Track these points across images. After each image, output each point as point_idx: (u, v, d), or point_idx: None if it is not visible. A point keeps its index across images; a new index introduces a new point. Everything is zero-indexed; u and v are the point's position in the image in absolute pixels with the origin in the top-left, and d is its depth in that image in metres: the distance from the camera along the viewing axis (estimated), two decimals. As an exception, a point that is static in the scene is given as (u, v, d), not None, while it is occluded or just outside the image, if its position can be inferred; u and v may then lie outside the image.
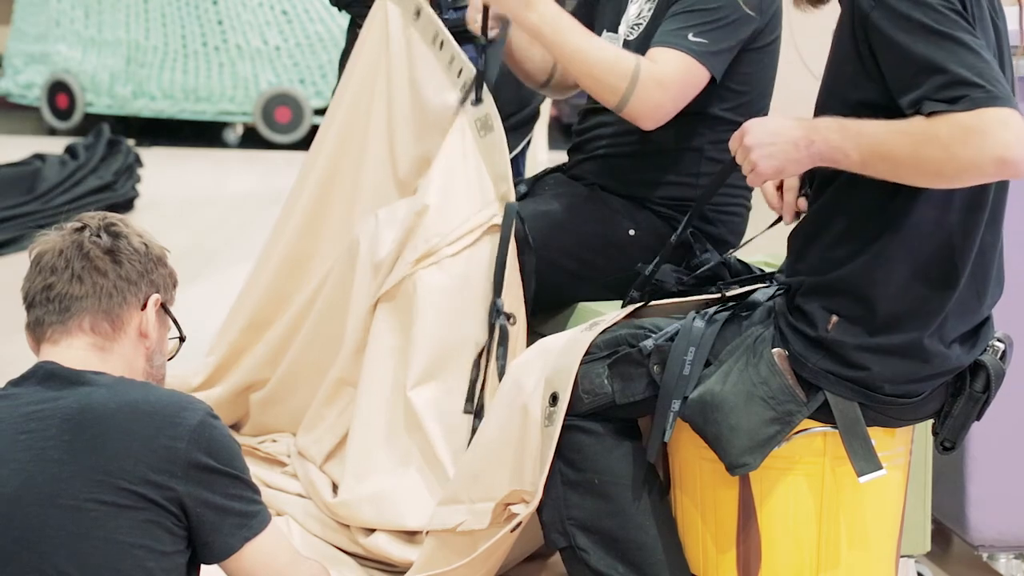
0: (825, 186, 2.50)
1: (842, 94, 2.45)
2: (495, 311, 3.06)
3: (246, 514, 2.15)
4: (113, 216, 2.29)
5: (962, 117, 2.28)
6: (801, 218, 2.59)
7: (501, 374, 3.02)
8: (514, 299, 3.09)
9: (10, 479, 2.09)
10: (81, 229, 2.26)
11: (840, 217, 2.47)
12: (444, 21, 3.54)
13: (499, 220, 3.12)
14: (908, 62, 2.34)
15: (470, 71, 3.24)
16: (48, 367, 2.18)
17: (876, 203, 2.44)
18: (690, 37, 3.01)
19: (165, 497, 2.09)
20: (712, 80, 3.06)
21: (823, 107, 2.51)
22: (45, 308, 2.22)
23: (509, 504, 2.71)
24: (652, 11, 3.12)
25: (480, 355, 3.10)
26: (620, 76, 3.00)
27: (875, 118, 2.38)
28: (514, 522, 2.67)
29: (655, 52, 3.03)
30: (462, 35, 3.53)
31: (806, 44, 3.45)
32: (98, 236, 2.24)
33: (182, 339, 2.35)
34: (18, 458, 2.09)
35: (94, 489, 2.07)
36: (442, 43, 3.33)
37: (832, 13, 2.51)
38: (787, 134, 2.44)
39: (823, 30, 2.55)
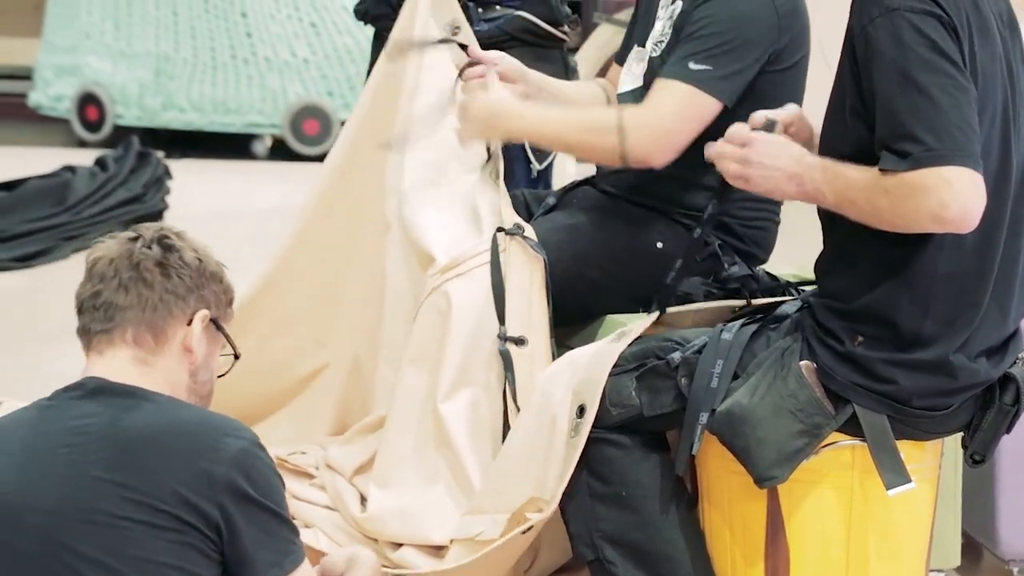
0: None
1: (843, 115, 2.47)
2: (500, 337, 3.06)
3: (280, 551, 2.11)
4: (169, 228, 2.27)
5: (906, 176, 2.33)
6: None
7: (514, 398, 3.03)
8: (524, 321, 3.07)
9: (49, 493, 2.08)
10: (135, 239, 2.23)
11: (860, 244, 2.47)
12: (474, 32, 3.55)
13: (525, 235, 3.13)
14: (877, 100, 2.38)
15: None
16: (96, 382, 2.17)
17: (920, 238, 2.43)
18: (691, 66, 2.98)
19: (202, 521, 2.06)
20: (725, 106, 3.02)
21: (828, 129, 2.52)
22: (91, 316, 2.21)
23: (533, 511, 2.71)
24: (671, 30, 3.12)
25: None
26: (606, 134, 3.00)
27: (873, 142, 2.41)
28: (524, 526, 2.68)
29: (656, 85, 3.03)
30: (491, 47, 3.53)
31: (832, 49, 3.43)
32: (149, 248, 2.22)
33: (236, 356, 2.32)
34: (59, 472, 2.08)
35: (129, 508, 2.05)
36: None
37: None
38: (786, 167, 2.50)
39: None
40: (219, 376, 2.31)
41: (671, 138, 2.99)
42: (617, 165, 3.05)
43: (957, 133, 2.32)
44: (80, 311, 2.23)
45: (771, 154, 2.52)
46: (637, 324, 2.74)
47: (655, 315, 2.76)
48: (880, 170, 2.35)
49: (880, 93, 2.37)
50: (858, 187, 2.40)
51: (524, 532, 2.69)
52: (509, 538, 2.69)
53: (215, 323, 2.26)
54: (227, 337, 2.29)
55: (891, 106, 2.35)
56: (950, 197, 2.31)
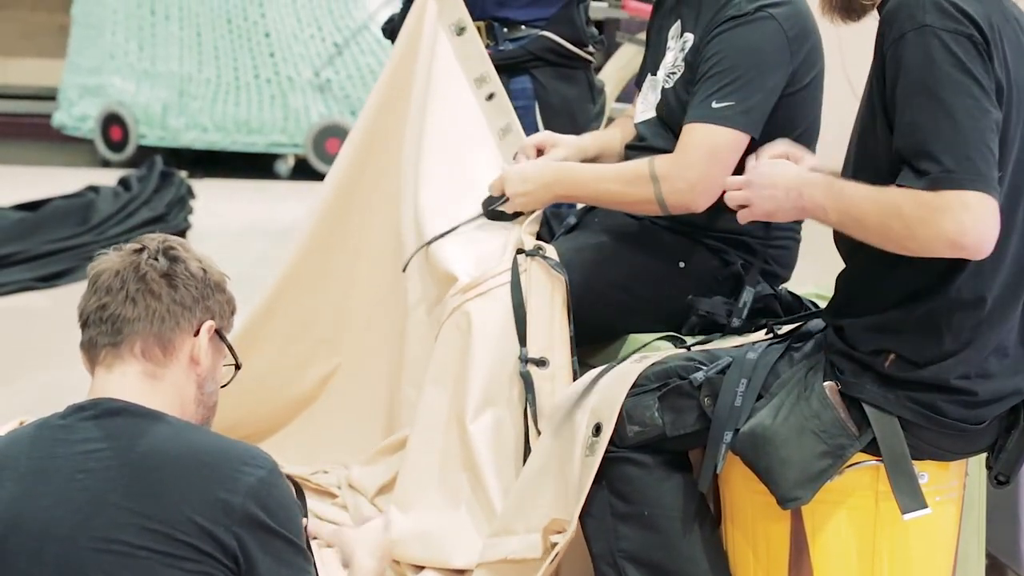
0: None
1: (874, 136, 2.46)
2: (521, 359, 3.06)
3: None
4: (173, 239, 2.26)
5: (925, 195, 2.31)
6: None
7: (535, 421, 3.02)
8: (545, 343, 3.07)
9: (66, 520, 2.06)
10: (140, 251, 2.23)
11: (891, 257, 2.45)
12: (499, 52, 3.56)
13: (545, 255, 3.13)
14: (899, 115, 2.36)
15: (517, 132, 3.33)
16: (110, 404, 2.15)
17: None
18: (714, 105, 2.98)
19: (219, 550, 2.05)
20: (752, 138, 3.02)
21: (858, 147, 2.51)
22: (98, 329, 2.19)
23: (556, 532, 2.71)
24: (684, 61, 3.12)
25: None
26: (641, 185, 3.04)
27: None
28: (552, 553, 2.67)
29: (684, 131, 3.04)
30: (516, 67, 3.54)
31: (856, 70, 3.43)
32: (155, 259, 2.21)
33: (237, 366, 2.32)
34: (75, 499, 2.07)
35: (147, 538, 2.04)
36: (491, 94, 3.36)
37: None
38: (784, 182, 2.52)
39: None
40: (221, 387, 2.30)
41: (707, 182, 3.00)
42: (661, 214, 3.06)
43: (976, 157, 2.30)
44: (85, 324, 2.21)
45: (770, 174, 2.56)
46: (669, 351, 2.75)
47: (682, 351, 2.76)
48: (897, 184, 2.34)
49: (904, 108, 2.36)
50: (865, 206, 2.38)
51: (552, 560, 2.68)
52: (547, 564, 2.68)
53: (219, 334, 2.26)
54: (229, 347, 2.29)
55: (913, 122, 2.34)
56: (969, 222, 2.29)
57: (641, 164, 3.06)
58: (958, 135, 2.30)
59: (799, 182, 2.51)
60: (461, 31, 3.43)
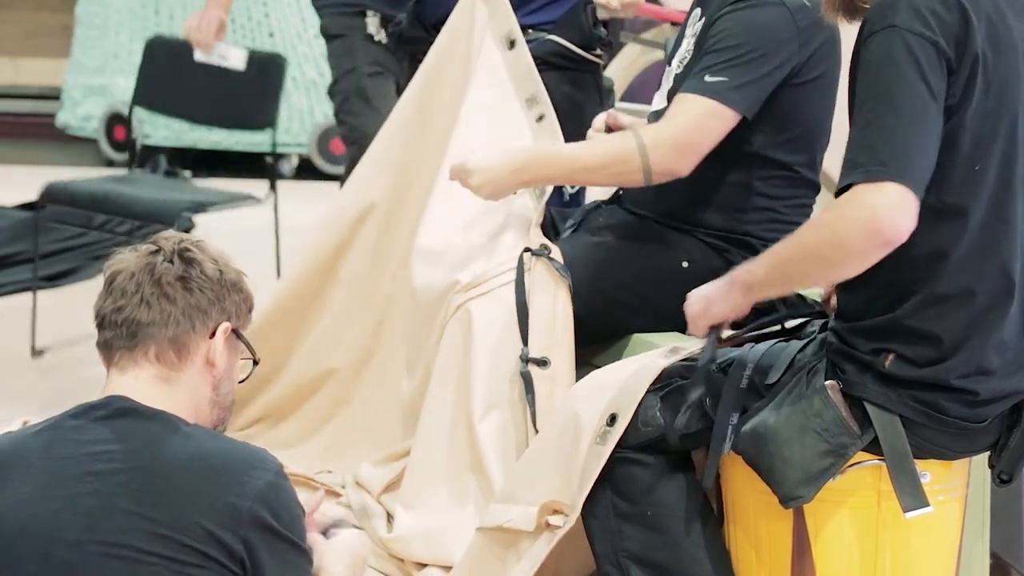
0: None
1: None
2: (522, 358, 3.06)
3: None
4: (189, 239, 2.25)
5: (839, 199, 2.35)
6: None
7: (533, 421, 3.03)
8: (547, 343, 3.08)
9: (73, 523, 2.06)
10: (156, 252, 2.22)
11: (885, 262, 2.45)
12: None
13: (551, 256, 3.14)
14: (859, 112, 2.39)
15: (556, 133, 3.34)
16: (120, 404, 2.15)
17: (921, 247, 2.42)
18: (707, 78, 3.00)
19: (226, 555, 2.06)
20: (744, 118, 3.03)
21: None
22: (114, 331, 2.19)
23: (552, 512, 2.71)
24: (694, 47, 3.13)
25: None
26: (628, 158, 3.03)
27: None
28: (552, 538, 2.67)
29: (675, 100, 3.04)
30: (537, 66, 3.54)
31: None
32: (171, 262, 2.21)
33: (255, 362, 2.32)
34: (84, 503, 2.07)
35: (156, 543, 2.04)
36: (541, 116, 3.37)
37: None
38: (718, 293, 2.62)
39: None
40: (240, 382, 2.30)
41: (691, 148, 3.01)
42: (642, 185, 3.06)
43: (915, 156, 2.32)
44: (101, 326, 2.21)
45: (701, 296, 2.67)
46: (692, 342, 2.75)
47: (714, 335, 2.76)
48: (841, 182, 2.37)
49: (861, 105, 2.38)
50: (785, 243, 2.49)
51: (550, 544, 2.69)
52: (537, 550, 2.69)
53: (235, 333, 2.26)
54: (247, 345, 2.29)
55: (866, 120, 2.36)
56: (882, 204, 2.31)
57: (625, 137, 3.06)
58: (899, 135, 2.31)
59: (729, 281, 2.62)
60: (512, 44, 3.42)
